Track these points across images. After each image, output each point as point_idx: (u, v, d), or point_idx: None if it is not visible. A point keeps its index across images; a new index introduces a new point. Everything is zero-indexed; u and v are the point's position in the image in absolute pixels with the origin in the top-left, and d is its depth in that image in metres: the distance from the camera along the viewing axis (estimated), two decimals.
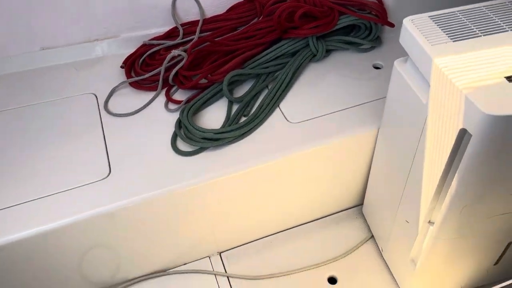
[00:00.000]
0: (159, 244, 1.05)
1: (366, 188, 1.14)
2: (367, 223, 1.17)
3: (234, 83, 1.10)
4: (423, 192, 0.83)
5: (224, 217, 1.06)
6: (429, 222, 0.85)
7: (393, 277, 1.07)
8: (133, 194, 0.91)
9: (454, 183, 0.73)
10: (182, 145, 0.99)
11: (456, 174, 0.71)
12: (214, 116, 1.05)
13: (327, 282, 1.09)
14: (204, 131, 0.98)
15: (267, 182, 1.02)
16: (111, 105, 1.09)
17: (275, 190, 1.05)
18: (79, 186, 0.92)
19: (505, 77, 0.66)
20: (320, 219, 1.20)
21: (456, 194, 0.74)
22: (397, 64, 0.83)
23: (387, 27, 1.21)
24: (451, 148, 0.71)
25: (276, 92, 1.06)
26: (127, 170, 0.95)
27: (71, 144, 1.00)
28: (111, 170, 0.95)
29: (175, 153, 0.97)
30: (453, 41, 0.74)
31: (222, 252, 1.15)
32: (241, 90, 1.10)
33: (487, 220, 0.80)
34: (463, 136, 0.68)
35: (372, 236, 1.15)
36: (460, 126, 0.67)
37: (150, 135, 1.01)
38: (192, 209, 0.99)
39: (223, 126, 1.01)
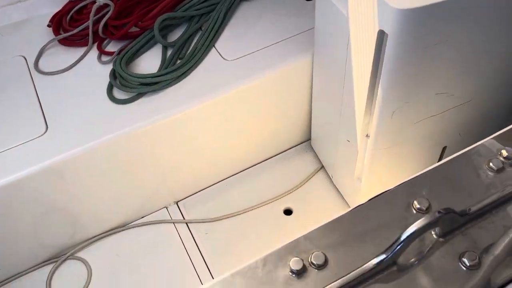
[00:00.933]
0: (114, 199, 1.04)
1: (311, 122, 1.16)
2: (316, 155, 1.20)
3: (167, 28, 1.08)
4: (357, 106, 0.85)
5: (174, 164, 1.06)
6: (366, 136, 0.88)
7: (345, 200, 1.11)
8: (72, 146, 0.89)
9: (380, 88, 0.75)
10: (118, 94, 0.97)
11: (381, 79, 0.74)
12: (149, 64, 1.03)
13: (283, 214, 1.12)
14: (140, 76, 0.96)
15: (210, 122, 1.02)
16: (42, 65, 1.05)
17: (220, 130, 1.06)
18: (16, 146, 0.90)
19: None
20: (272, 158, 1.22)
21: (384, 100, 0.76)
22: None
23: None
24: (373, 53, 0.73)
25: (210, 32, 1.05)
26: (65, 124, 0.93)
27: (3, 108, 0.97)
28: (48, 126, 0.93)
29: (112, 103, 0.96)
30: None
31: (179, 201, 1.16)
32: (175, 35, 1.08)
33: (418, 124, 0.83)
34: (382, 38, 0.70)
35: (323, 166, 1.18)
36: (377, 28, 0.69)
37: (85, 88, 0.99)
38: (138, 157, 0.99)
39: (159, 70, 1.00)
